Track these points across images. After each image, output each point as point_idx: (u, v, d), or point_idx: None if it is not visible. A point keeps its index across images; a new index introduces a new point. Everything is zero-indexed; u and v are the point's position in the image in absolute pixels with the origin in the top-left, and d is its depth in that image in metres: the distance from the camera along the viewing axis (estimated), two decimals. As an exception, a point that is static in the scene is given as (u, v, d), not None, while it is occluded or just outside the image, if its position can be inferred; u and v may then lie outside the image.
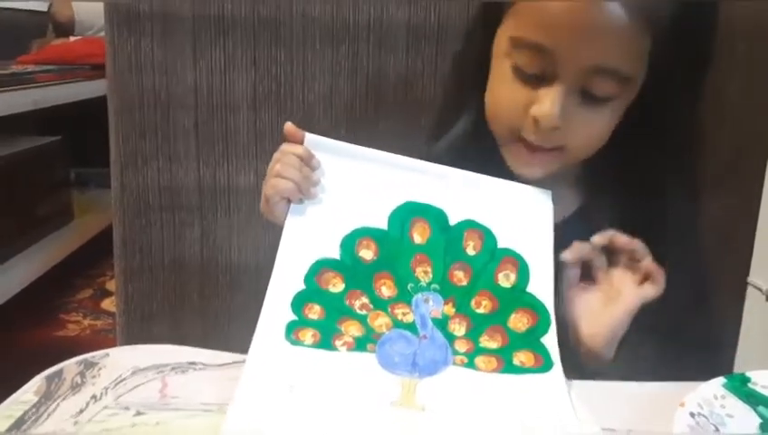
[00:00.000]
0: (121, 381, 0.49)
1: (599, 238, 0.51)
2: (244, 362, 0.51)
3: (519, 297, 0.52)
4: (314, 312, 0.49)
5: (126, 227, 0.81)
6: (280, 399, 0.44)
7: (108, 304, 1.60)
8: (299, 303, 0.50)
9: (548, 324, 0.51)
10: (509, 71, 0.52)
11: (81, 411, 0.44)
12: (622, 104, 0.53)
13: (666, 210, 0.56)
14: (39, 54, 1.82)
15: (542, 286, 0.52)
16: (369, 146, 0.71)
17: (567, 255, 0.51)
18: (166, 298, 0.83)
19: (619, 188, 0.56)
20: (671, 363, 0.51)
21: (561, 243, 0.55)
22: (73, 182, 1.74)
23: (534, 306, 0.51)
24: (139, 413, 0.44)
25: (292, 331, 0.48)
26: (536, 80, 0.50)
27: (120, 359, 0.52)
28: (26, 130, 1.58)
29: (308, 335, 0.48)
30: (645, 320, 0.51)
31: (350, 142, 0.68)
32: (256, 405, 0.43)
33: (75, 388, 0.47)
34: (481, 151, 0.57)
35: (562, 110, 0.49)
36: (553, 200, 0.58)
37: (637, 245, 0.51)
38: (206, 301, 0.83)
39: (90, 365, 0.51)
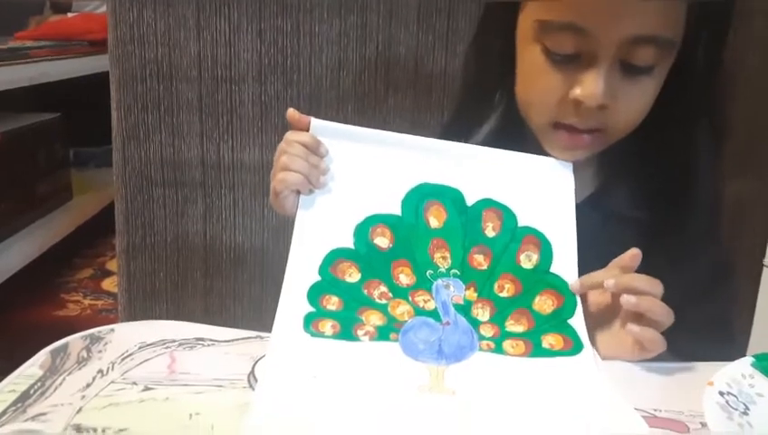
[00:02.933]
0: (128, 356, 0.47)
1: (611, 282, 0.47)
2: (254, 338, 0.49)
3: (542, 278, 0.50)
4: (332, 303, 0.48)
5: (128, 203, 0.80)
6: (304, 388, 0.42)
7: (108, 283, 1.58)
8: (315, 294, 0.48)
9: (574, 306, 0.49)
10: (540, 56, 0.49)
11: (88, 386, 0.43)
12: (663, 71, 0.50)
13: (689, 191, 0.54)
14: (36, 30, 1.78)
15: (565, 266, 0.50)
16: (378, 121, 0.69)
17: (574, 286, 0.49)
18: (168, 277, 0.82)
19: (641, 168, 0.54)
20: (687, 345, 0.49)
21: (577, 227, 0.52)
22: (72, 161, 1.72)
23: (559, 287, 0.50)
24: (147, 388, 0.43)
25: (310, 322, 0.47)
26: (572, 60, 0.48)
27: (127, 334, 0.50)
28: (24, 109, 1.56)
29: (327, 326, 0.47)
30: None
31: (359, 116, 0.66)
32: (281, 395, 0.41)
33: (81, 362, 0.46)
34: (515, 147, 0.54)
35: (606, 86, 0.47)
36: None
37: (648, 301, 0.46)
38: (210, 280, 0.81)
39: (95, 340, 0.49)
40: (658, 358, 0.47)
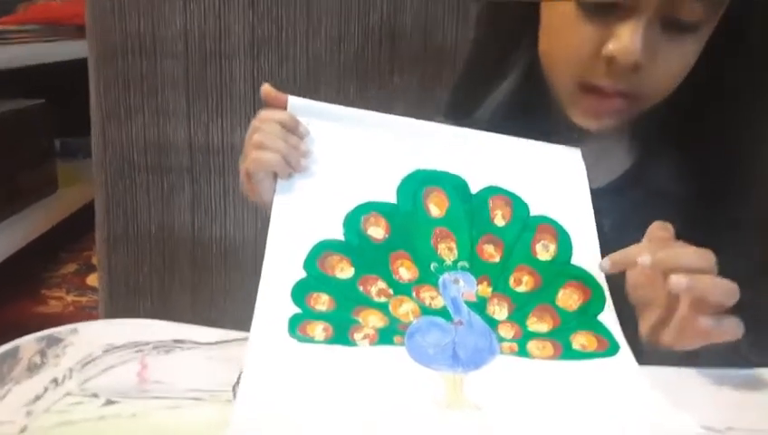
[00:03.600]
0: (91, 361, 0.40)
1: (646, 259, 0.40)
2: (243, 340, 0.43)
3: (564, 270, 0.45)
4: (321, 302, 0.43)
5: (108, 190, 0.74)
6: (293, 405, 0.35)
7: (93, 279, 1.51)
8: (301, 293, 0.43)
9: (603, 300, 0.44)
10: (570, 5, 0.45)
11: (37, 399, 0.36)
12: (706, 33, 0.45)
13: (739, 166, 0.49)
14: (22, 15, 1.71)
15: (588, 256, 0.46)
16: (381, 100, 0.63)
17: (604, 265, 0.44)
18: (153, 271, 0.76)
19: (684, 140, 0.49)
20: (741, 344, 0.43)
21: (609, 209, 0.49)
22: (59, 152, 1.65)
23: (584, 279, 0.45)
24: (109, 402, 0.36)
25: (296, 326, 0.41)
26: (607, 11, 0.43)
27: (91, 335, 0.43)
28: (6, 95, 1.48)
29: (318, 330, 0.41)
30: None
31: (361, 95, 0.60)
32: (264, 415, 0.35)
33: (32, 370, 0.39)
34: (534, 114, 0.50)
35: (644, 42, 0.42)
36: (601, 160, 0.50)
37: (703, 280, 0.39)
38: (198, 274, 0.76)
39: (53, 342, 0.42)
40: (710, 361, 0.41)
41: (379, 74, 0.68)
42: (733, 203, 0.49)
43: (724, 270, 0.42)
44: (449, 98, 0.55)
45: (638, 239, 0.44)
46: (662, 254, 0.40)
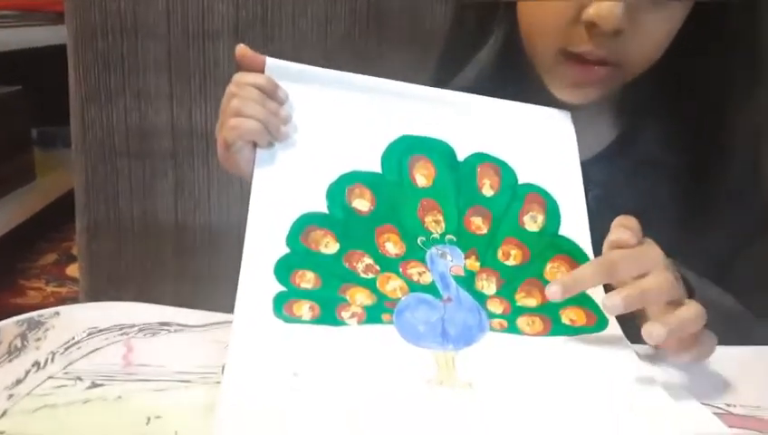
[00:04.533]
0: (74, 344, 0.39)
1: (553, 289, 0.38)
2: (229, 323, 0.41)
3: (552, 242, 0.45)
4: (307, 280, 0.41)
5: (88, 175, 0.71)
6: (283, 388, 0.34)
7: (74, 269, 1.48)
8: (284, 270, 0.41)
9: None
10: None
11: (19, 382, 0.35)
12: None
13: (727, 130, 0.48)
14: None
15: (576, 227, 0.45)
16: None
17: (553, 290, 0.39)
18: (135, 258, 0.74)
19: (671, 108, 0.48)
20: (742, 309, 0.44)
21: (595, 181, 0.48)
22: (36, 141, 1.62)
23: (571, 252, 0.44)
24: (94, 385, 0.35)
25: (282, 305, 0.40)
26: None
27: (74, 318, 0.42)
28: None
29: (304, 309, 0.40)
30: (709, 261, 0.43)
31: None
32: (253, 399, 0.33)
33: (13, 353, 0.38)
34: (513, 82, 0.49)
35: (626, 6, 0.41)
36: (586, 132, 0.49)
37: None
38: (182, 262, 0.74)
39: (34, 326, 0.41)
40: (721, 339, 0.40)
41: (365, 56, 0.67)
42: (723, 172, 0.48)
43: (714, 240, 0.42)
44: (434, 64, 0.54)
45: (624, 212, 0.43)
46: (628, 291, 0.37)
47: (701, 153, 0.48)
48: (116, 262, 0.74)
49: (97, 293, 0.74)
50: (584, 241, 0.45)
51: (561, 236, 0.45)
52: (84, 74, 0.69)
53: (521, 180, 0.47)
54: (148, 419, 0.33)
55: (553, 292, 0.38)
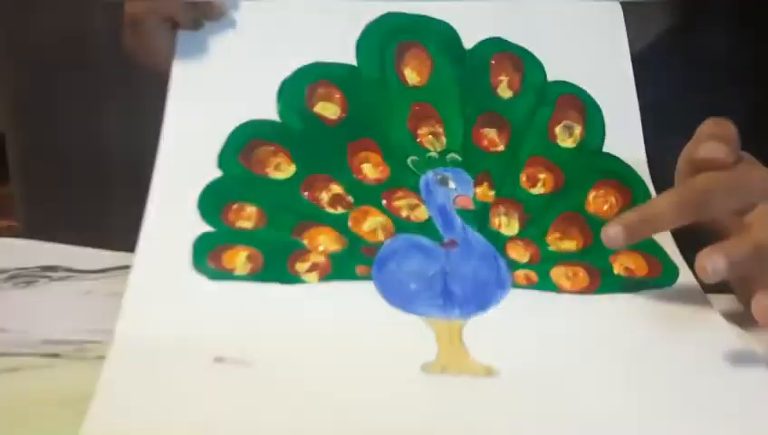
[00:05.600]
0: None
1: (716, 263, 0.26)
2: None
3: (594, 163, 0.35)
4: (246, 216, 0.31)
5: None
6: (202, 381, 0.24)
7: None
8: (213, 201, 0.31)
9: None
10: None
11: None
12: None
13: None
14: None
15: (627, 141, 0.36)
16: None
17: (612, 232, 0.28)
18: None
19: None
20: None
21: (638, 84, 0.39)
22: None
23: (622, 175, 0.35)
24: None
25: (206, 253, 0.29)
26: None
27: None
28: None
29: (240, 259, 0.29)
30: None
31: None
32: (148, 391, 0.23)
33: None
34: None
35: None
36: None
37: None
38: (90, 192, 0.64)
39: None
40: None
41: None
42: None
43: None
44: None
45: (684, 126, 0.33)
46: (736, 248, 0.26)
47: None
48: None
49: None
50: (638, 160, 0.35)
51: (608, 154, 0.35)
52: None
53: (551, 77, 0.36)
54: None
55: (613, 235, 0.27)
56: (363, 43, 0.35)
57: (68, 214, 0.64)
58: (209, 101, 0.33)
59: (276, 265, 0.29)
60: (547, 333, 0.28)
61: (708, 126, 0.29)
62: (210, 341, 0.25)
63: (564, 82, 0.36)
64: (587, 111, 0.36)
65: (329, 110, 0.34)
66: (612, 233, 0.27)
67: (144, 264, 0.28)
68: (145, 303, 0.26)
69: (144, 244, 0.28)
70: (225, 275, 0.28)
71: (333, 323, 0.27)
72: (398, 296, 0.28)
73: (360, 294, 0.28)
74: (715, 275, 0.26)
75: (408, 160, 0.34)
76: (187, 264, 0.28)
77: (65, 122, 0.63)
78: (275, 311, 0.27)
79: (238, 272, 0.28)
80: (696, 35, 0.44)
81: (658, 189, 0.34)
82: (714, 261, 0.25)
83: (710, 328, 0.28)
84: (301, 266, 0.29)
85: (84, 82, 0.62)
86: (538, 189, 0.34)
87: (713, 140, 0.28)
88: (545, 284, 0.30)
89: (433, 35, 0.36)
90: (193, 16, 0.35)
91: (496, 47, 0.36)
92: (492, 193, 0.33)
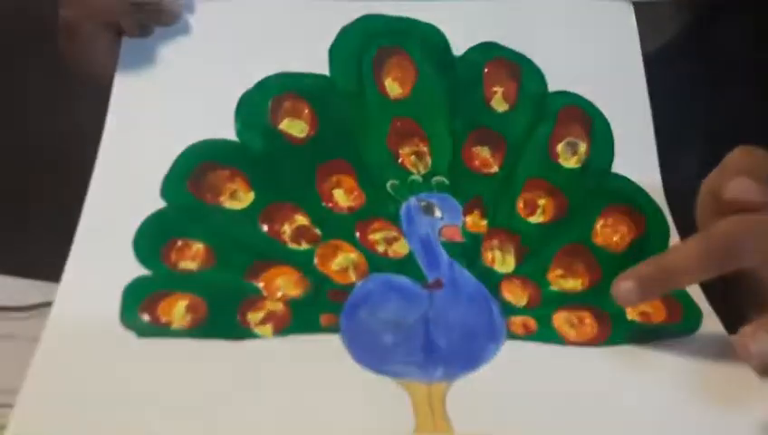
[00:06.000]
0: None
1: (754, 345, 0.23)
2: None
3: (602, 185, 0.31)
4: (191, 255, 0.26)
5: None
6: None
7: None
8: (154, 238, 0.27)
9: (665, 231, 0.30)
10: None
11: None
12: None
13: None
14: None
15: (640, 160, 0.32)
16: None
17: (625, 289, 0.25)
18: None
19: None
20: None
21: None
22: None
23: (635, 200, 0.30)
24: None
25: (138, 302, 0.25)
26: None
27: None
28: None
29: (179, 309, 0.25)
30: None
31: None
32: None
33: None
34: None
35: None
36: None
37: None
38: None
39: None
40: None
41: None
42: None
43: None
44: None
45: (703, 135, 0.33)
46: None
47: None
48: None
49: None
50: (653, 183, 0.31)
51: (617, 176, 0.31)
52: None
53: (552, 87, 0.32)
54: None
55: (625, 292, 0.24)
56: (337, 50, 0.31)
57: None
58: (155, 119, 0.29)
59: (222, 317, 0.24)
60: (549, 399, 0.23)
61: (737, 157, 0.25)
62: (139, 405, 0.21)
63: (567, 93, 0.32)
64: (593, 125, 0.32)
65: (296, 127, 0.30)
66: (624, 289, 0.24)
67: (60, 316, 0.23)
68: (56, 369, 0.22)
69: (64, 290, 0.24)
70: (157, 330, 0.23)
71: (288, 389, 0.22)
72: (368, 352, 0.24)
73: (323, 352, 0.24)
74: (760, 358, 0.22)
75: (387, 185, 0.30)
76: (113, 317, 0.23)
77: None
78: (217, 375, 0.22)
79: (175, 325, 0.24)
80: (714, 33, 0.40)
81: (675, 216, 0.30)
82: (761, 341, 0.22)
83: (744, 387, 0.24)
84: (253, 317, 0.25)
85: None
86: (537, 217, 0.30)
87: (743, 176, 0.24)
88: (546, 333, 0.25)
89: (417, 40, 0.32)
90: (139, 21, 0.31)
91: (490, 53, 0.33)
92: (484, 223, 0.29)
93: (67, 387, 0.21)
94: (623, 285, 0.24)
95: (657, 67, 0.38)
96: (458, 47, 0.33)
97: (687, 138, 0.33)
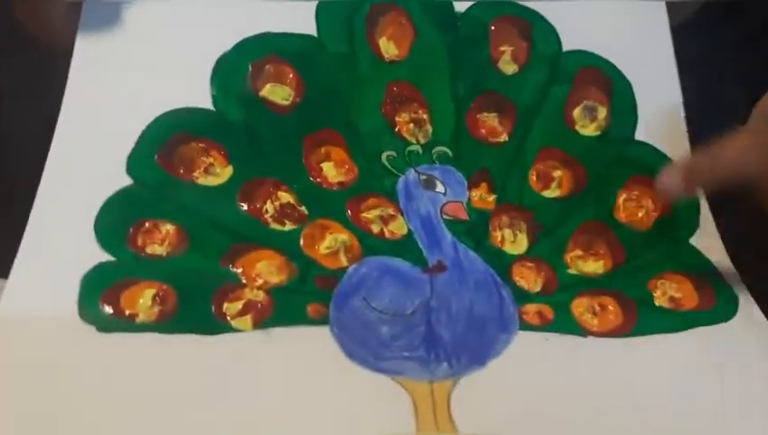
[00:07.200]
0: None
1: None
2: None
3: (623, 154, 0.28)
4: (160, 238, 0.24)
5: None
6: None
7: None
8: (119, 219, 0.24)
9: (695, 209, 0.27)
10: None
11: None
12: None
13: None
14: None
15: (666, 125, 0.29)
16: None
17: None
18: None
19: None
20: None
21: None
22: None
23: (660, 170, 0.28)
24: None
25: (100, 292, 0.22)
26: None
27: None
28: None
29: (145, 299, 0.22)
30: None
31: None
32: None
33: None
34: None
35: None
36: None
37: None
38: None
39: None
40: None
41: None
42: None
43: None
44: None
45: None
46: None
47: None
48: None
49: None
50: (680, 151, 0.28)
51: (640, 143, 0.29)
52: None
53: (566, 46, 0.30)
54: None
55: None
56: (325, 7, 0.29)
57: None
58: (121, 86, 0.26)
59: (195, 308, 0.22)
60: (568, 398, 0.21)
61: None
62: (92, 407, 0.18)
63: (584, 52, 0.30)
64: (613, 88, 0.29)
65: (279, 94, 0.28)
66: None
67: (9, 313, 0.21)
68: (2, 371, 0.19)
69: (13, 282, 0.21)
70: (121, 324, 0.21)
71: (270, 392, 0.20)
72: (362, 347, 0.21)
73: (310, 347, 0.21)
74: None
75: (383, 157, 0.27)
76: (72, 308, 0.21)
77: None
78: (187, 376, 0.20)
79: (141, 318, 0.21)
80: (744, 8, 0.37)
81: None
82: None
83: None
84: (230, 308, 0.22)
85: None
86: (552, 191, 0.27)
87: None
88: (564, 323, 0.23)
89: None
90: None
91: (497, 10, 0.30)
92: (492, 198, 0.27)
93: (18, 391, 0.19)
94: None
95: (685, 31, 0.36)
96: (461, 3, 0.30)
97: (715, 105, 0.30)
